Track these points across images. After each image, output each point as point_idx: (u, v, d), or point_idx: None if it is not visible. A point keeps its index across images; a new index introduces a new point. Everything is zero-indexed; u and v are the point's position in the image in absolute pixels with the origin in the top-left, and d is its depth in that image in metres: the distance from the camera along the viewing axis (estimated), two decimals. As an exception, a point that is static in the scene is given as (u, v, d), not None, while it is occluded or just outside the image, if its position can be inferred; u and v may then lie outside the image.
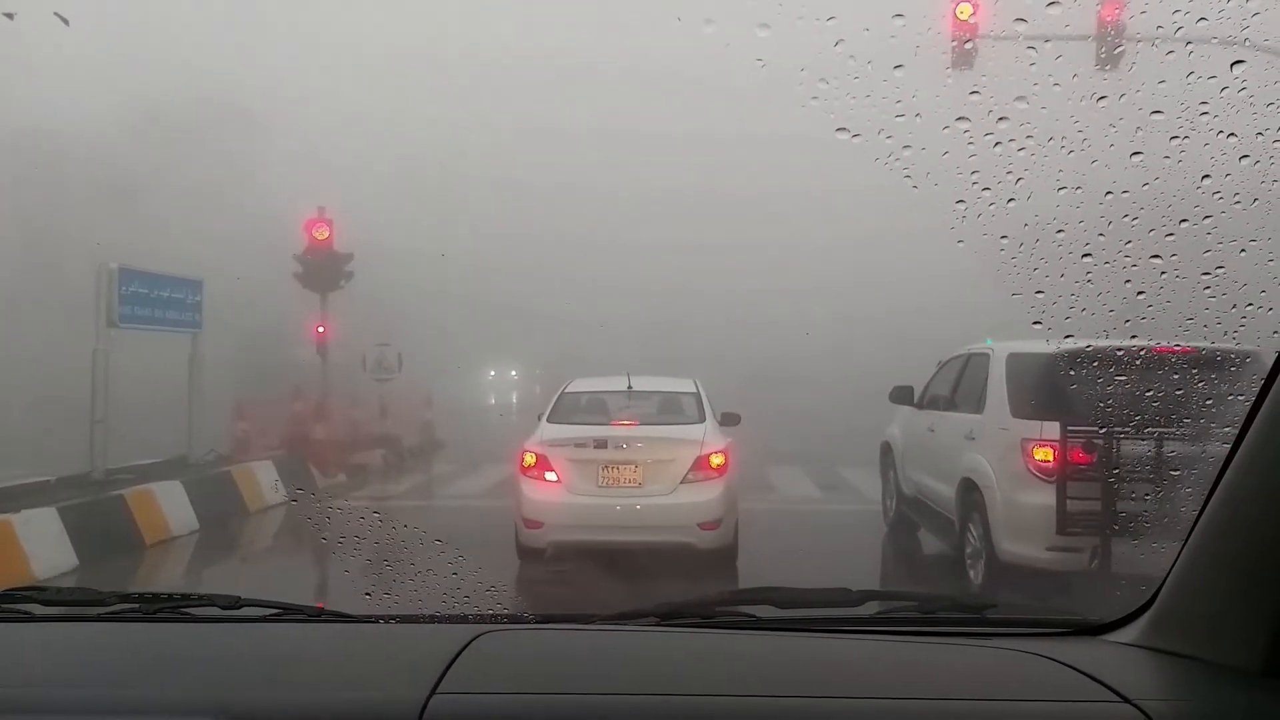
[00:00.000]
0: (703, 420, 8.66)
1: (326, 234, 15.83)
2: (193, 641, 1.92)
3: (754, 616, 2.02)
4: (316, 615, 2.05)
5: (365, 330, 17.39)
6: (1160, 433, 5.23)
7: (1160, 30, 2.87)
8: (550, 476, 7.91)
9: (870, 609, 2.10)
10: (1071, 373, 5.23)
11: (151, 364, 14.79)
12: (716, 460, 7.94)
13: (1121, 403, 4.72)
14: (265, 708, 1.54)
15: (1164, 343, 4.13)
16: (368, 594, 2.22)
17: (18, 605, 2.02)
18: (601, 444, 7.97)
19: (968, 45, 10.19)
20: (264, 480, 12.49)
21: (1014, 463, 6.51)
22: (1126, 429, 5.59)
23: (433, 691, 1.52)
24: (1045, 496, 6.28)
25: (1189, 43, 2.91)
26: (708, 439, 8.17)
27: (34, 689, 1.61)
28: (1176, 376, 4.14)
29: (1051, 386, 6.12)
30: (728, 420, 9.17)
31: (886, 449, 10.30)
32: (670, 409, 9.27)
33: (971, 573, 7.15)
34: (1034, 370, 6.60)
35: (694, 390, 9.29)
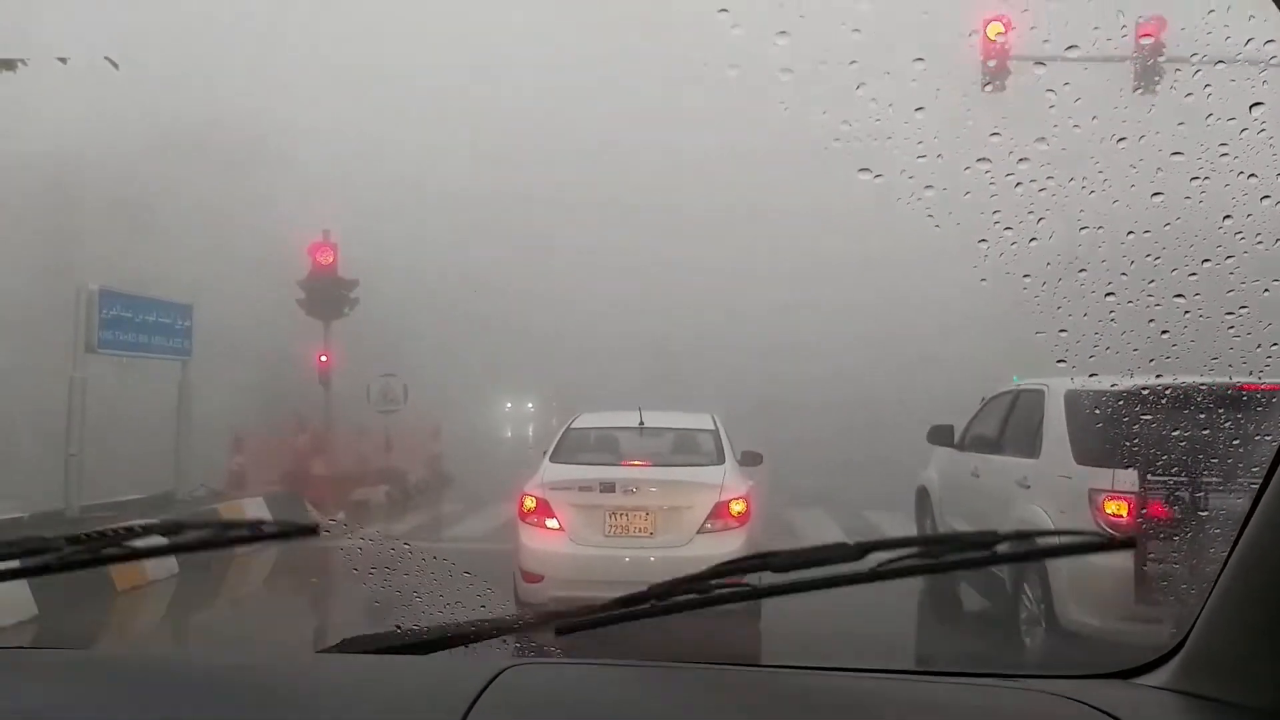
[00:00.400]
0: (722, 461, 8.25)
1: (331, 259, 16.00)
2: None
3: (749, 586, 2.03)
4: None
5: (371, 359, 17.52)
6: (1249, 482, 4.80)
7: (1179, 73, 3.05)
8: (551, 524, 7.49)
9: (871, 561, 2.03)
10: (1142, 413, 4.96)
11: (139, 393, 14.82)
12: (737, 507, 7.51)
13: (1203, 447, 4.51)
14: None
15: (1253, 378, 3.96)
16: (398, 626, 2.33)
17: None
18: (609, 487, 7.55)
19: (988, 88, 10.38)
20: (254, 518, 12.36)
21: (1080, 517, 6.05)
22: (1212, 477, 5.13)
23: None
24: (1120, 558, 5.47)
25: (1207, 85, 3.09)
26: (728, 483, 7.73)
27: None
28: (1260, 415, 3.97)
29: (1119, 428, 5.64)
30: (749, 460, 8.79)
31: (923, 494, 9.79)
32: (686, 448, 8.95)
33: (1027, 640, 6.57)
34: (1098, 410, 6.08)
35: (712, 427, 8.90)
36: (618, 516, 7.44)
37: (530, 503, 7.61)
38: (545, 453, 8.57)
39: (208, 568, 10.72)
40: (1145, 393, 4.78)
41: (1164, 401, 4.54)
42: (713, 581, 2.07)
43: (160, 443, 13.59)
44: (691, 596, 2.06)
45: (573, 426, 9.08)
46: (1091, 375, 4.09)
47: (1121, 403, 5.34)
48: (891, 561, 2.04)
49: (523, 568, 7.44)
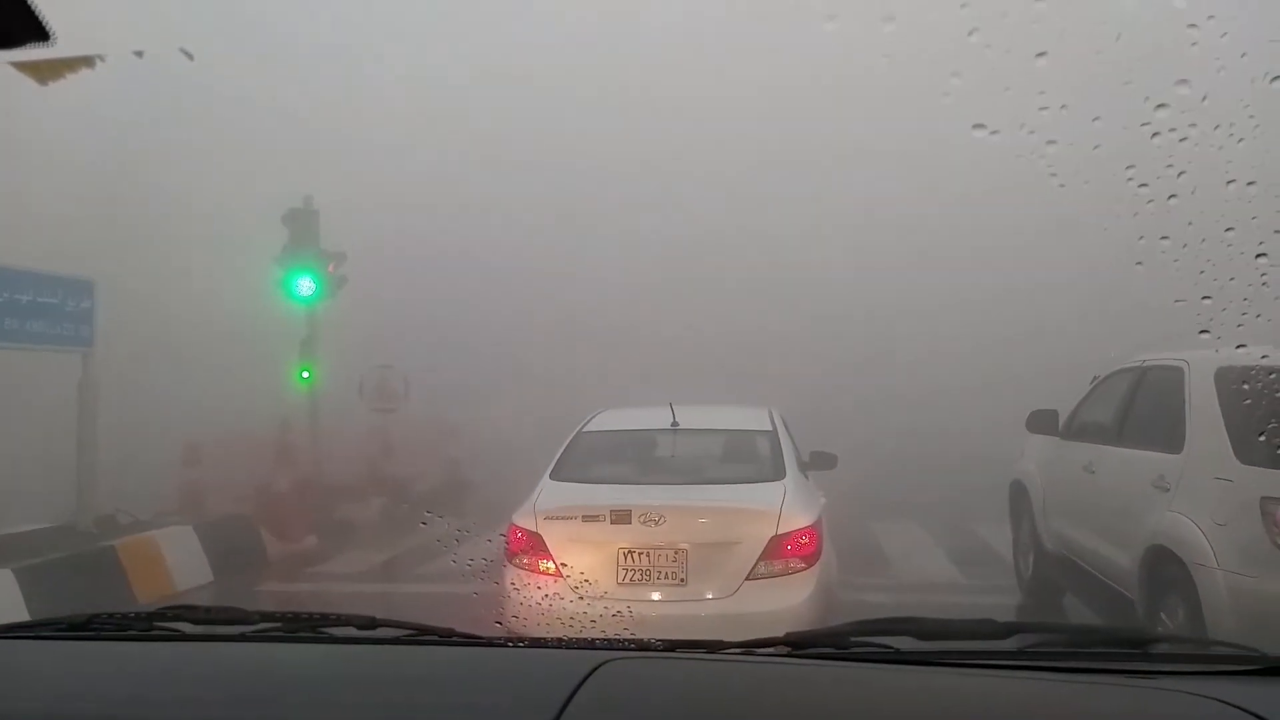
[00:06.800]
0: (781, 475, 7.46)
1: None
2: (329, 662, 2.44)
3: (892, 648, 2.32)
4: (448, 637, 2.48)
5: (363, 348, 17.61)
6: None
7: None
8: (546, 566, 6.77)
9: (1017, 642, 2.35)
10: None
11: (39, 394, 14.43)
12: (802, 541, 6.75)
13: None
14: None
15: None
16: (499, 622, 2.74)
17: (169, 624, 2.58)
18: (623, 516, 6.74)
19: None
20: (173, 555, 11.21)
21: (1246, 531, 5.74)
22: None
23: None
24: None
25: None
26: (789, 508, 6.91)
27: (161, 708, 2.07)
28: None
29: None
30: (819, 462, 8.31)
31: (1019, 490, 9.84)
32: (734, 456, 8.30)
33: (1162, 628, 6.52)
34: (1263, 393, 5.65)
35: (769, 427, 8.19)
36: (635, 557, 6.74)
37: (520, 537, 6.98)
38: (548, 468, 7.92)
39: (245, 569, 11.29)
40: None
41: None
42: (853, 639, 2.38)
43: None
44: (828, 649, 2.37)
45: (585, 429, 8.46)
46: (1239, 346, 4.23)
47: None
48: (1037, 645, 2.38)
49: (509, 628, 6.43)
